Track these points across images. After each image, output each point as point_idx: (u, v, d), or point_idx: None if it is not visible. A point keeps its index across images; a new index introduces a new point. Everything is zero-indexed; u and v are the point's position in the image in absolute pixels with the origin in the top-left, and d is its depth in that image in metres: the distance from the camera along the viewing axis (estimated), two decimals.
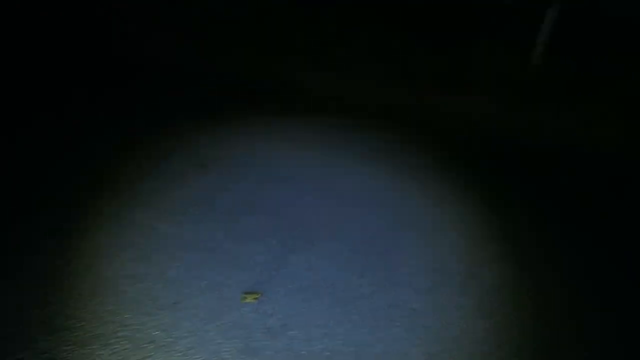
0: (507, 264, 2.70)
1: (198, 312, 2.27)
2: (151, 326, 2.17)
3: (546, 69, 5.09)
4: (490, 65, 5.28)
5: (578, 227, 3.13)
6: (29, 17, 5.86)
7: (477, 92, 5.01)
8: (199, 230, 2.83)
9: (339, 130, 4.21)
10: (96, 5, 6.13)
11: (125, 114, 4.29)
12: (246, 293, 2.39)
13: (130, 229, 2.79)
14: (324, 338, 2.17)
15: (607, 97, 4.78)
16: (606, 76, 4.88)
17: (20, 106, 4.21)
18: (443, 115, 4.67)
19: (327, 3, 6.01)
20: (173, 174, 3.36)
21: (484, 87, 5.05)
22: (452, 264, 2.68)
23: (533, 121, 4.60)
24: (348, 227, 2.94)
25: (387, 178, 3.51)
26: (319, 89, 5.11)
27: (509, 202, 3.32)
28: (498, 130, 4.42)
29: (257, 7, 6.14)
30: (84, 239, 2.68)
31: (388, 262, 2.66)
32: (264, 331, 2.19)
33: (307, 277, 2.52)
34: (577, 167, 3.90)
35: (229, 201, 3.11)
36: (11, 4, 5.75)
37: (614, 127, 4.52)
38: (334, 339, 2.16)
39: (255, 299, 2.36)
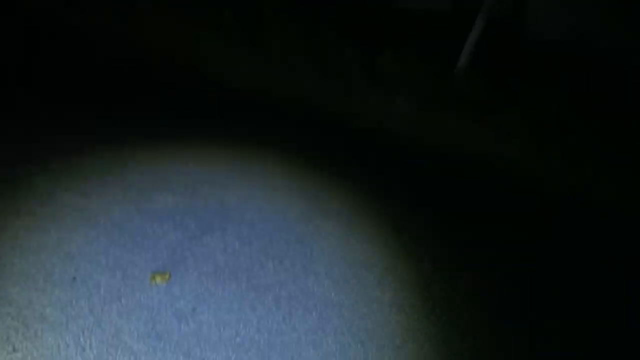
0: (421, 260, 2.77)
1: (99, 291, 2.08)
2: (42, 303, 1.95)
3: (466, 81, 5.31)
4: (415, 72, 5.41)
5: (485, 231, 3.29)
6: None
7: (396, 95, 5.09)
8: (107, 202, 2.60)
9: (259, 121, 4.08)
10: None
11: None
12: (155, 273, 2.22)
13: (25, 195, 2.50)
14: (236, 324, 2.07)
15: (516, 115, 5.08)
16: (519, 95, 5.20)
17: None
18: (360, 114, 4.68)
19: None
20: (78, 137, 3.07)
21: (404, 91, 5.15)
22: (369, 256, 2.69)
23: (445, 129, 4.76)
24: (267, 211, 2.86)
25: (303, 165, 3.46)
26: (243, 80, 4.92)
27: (420, 203, 3.40)
28: (410, 137, 4.50)
29: None
30: None
31: (306, 251, 2.62)
32: (172, 314, 2.05)
33: (223, 260, 2.40)
34: (485, 178, 4.11)
35: (142, 175, 2.89)
36: None
37: (517, 144, 4.81)
38: (246, 326, 2.08)
39: (165, 280, 2.21)
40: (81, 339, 1.86)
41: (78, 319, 1.93)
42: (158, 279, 2.20)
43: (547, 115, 4.95)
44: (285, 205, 2.95)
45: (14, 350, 1.76)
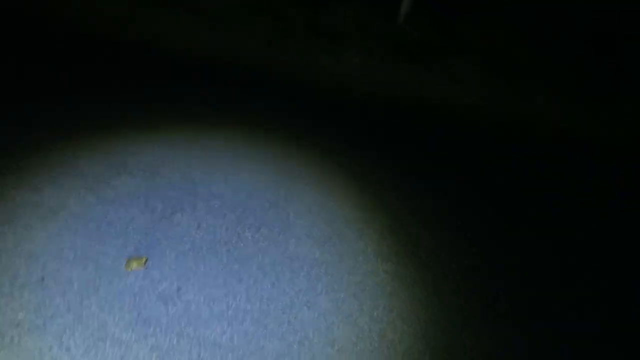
0: (397, 208, 2.78)
1: (72, 287, 1.95)
2: (13, 308, 1.81)
3: (410, 27, 5.30)
4: (361, 25, 5.34)
5: (456, 174, 3.33)
6: None
7: (346, 46, 5.02)
8: (62, 195, 2.41)
9: (210, 91, 3.90)
10: None
11: None
12: (130, 259, 2.11)
13: None
14: (224, 297, 2.01)
15: (464, 58, 5.14)
16: (466, 38, 5.25)
17: None
18: (312, 73, 4.59)
19: None
20: (18, 129, 2.82)
21: (353, 41, 5.09)
22: (346, 212, 2.67)
23: (397, 80, 4.76)
24: (235, 181, 2.76)
25: (263, 131, 3.35)
26: (185, 48, 4.67)
27: (387, 155, 3.39)
28: (365, 91, 4.46)
29: None
30: None
31: (282, 215, 2.56)
32: (156, 298, 1.96)
33: (198, 237, 2.31)
34: (448, 124, 4.15)
35: (96, 162, 2.70)
36: None
37: (467, 86, 4.89)
38: (236, 297, 2.02)
39: (142, 264, 2.10)
40: (64, 339, 1.74)
41: (56, 318, 1.80)
42: (134, 265, 2.09)
43: (495, 51, 5.05)
44: (252, 174, 2.86)
45: None
